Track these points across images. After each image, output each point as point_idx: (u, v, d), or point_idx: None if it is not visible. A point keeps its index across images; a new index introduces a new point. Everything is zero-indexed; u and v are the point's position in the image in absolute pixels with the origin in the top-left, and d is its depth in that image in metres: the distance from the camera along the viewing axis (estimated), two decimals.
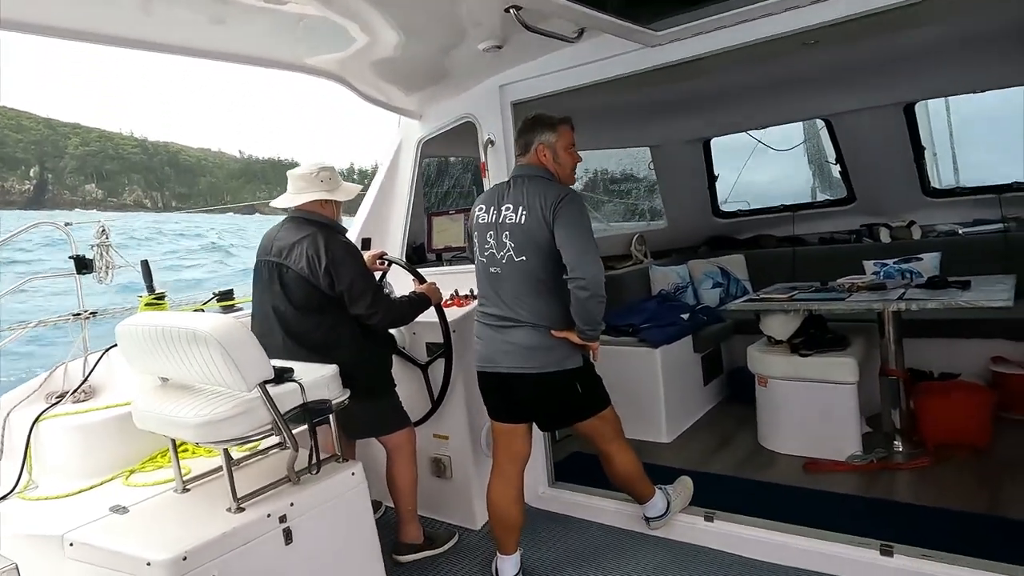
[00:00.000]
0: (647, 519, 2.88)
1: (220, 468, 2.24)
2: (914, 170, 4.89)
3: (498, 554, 2.68)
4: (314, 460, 2.39)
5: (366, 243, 3.63)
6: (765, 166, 5.89)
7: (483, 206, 2.60)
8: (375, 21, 2.51)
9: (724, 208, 6.02)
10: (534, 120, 2.57)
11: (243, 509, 2.19)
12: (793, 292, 3.88)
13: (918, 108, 4.82)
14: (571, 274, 2.32)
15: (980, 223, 4.78)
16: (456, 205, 4.47)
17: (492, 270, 2.53)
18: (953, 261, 4.43)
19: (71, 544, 2.11)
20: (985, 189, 4.86)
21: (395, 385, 2.94)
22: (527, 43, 2.76)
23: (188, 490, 2.41)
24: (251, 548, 2.12)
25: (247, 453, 2.66)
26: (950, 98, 5.45)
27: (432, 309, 2.98)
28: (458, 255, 3.76)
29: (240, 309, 3.37)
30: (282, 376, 2.26)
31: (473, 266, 2.68)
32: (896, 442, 3.56)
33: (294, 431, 2.26)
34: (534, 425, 2.71)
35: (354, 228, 3.95)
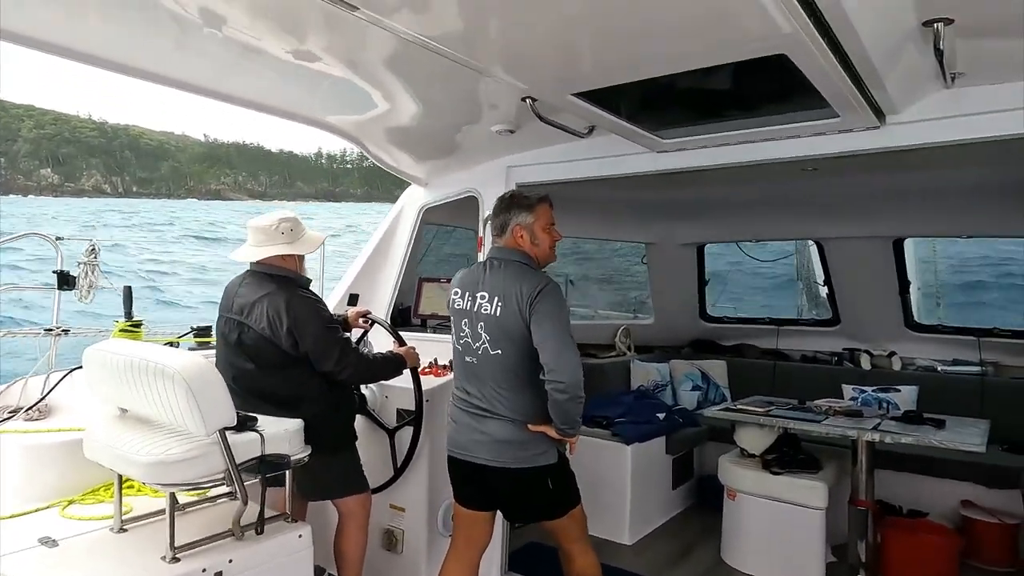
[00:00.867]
0: None
1: (163, 511, 2.15)
2: (898, 303, 4.99)
3: None
4: (262, 517, 2.30)
5: (353, 299, 3.62)
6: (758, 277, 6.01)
7: (459, 290, 2.53)
8: (398, 91, 2.60)
9: (711, 312, 6.09)
10: (511, 200, 2.49)
11: (178, 559, 2.09)
12: (770, 407, 3.87)
13: (908, 243, 4.98)
14: (549, 376, 2.25)
15: (959, 363, 4.84)
16: (450, 273, 4.49)
17: (467, 359, 2.47)
18: (930, 396, 4.46)
19: None
20: (965, 331, 4.95)
21: (356, 440, 2.85)
22: (539, 131, 2.86)
23: (125, 530, 2.31)
24: None
25: (195, 498, 2.56)
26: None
27: (408, 373, 2.95)
28: (443, 324, 3.75)
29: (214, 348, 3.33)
30: (244, 424, 2.21)
31: None
32: None
33: (247, 483, 2.19)
34: (497, 512, 2.64)
35: (344, 281, 3.96)
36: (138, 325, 3.03)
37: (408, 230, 3.88)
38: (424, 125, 2.99)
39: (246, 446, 2.18)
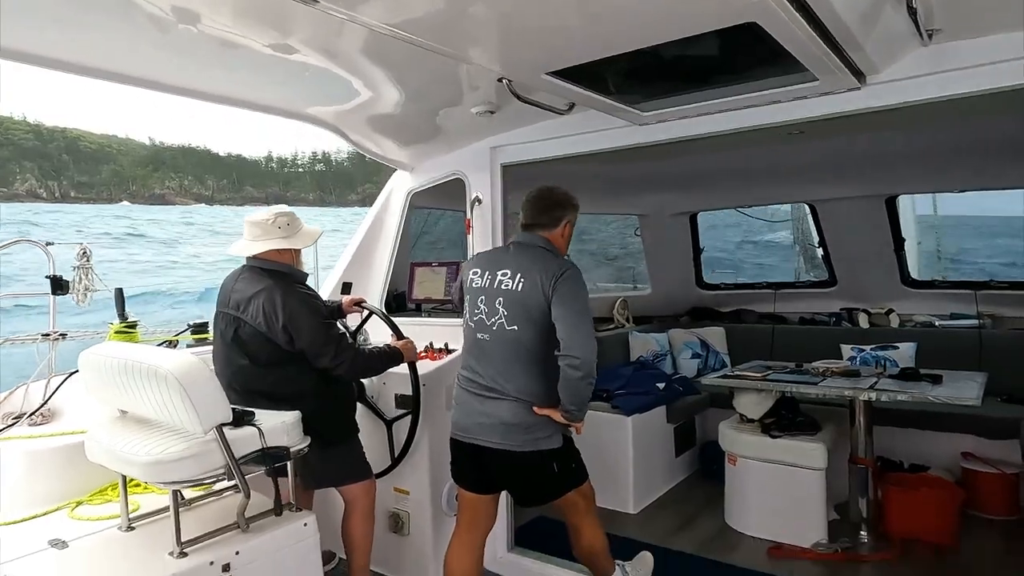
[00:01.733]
0: None
1: (168, 507, 2.18)
2: (894, 260, 4.99)
3: None
4: (279, 501, 2.35)
5: (347, 287, 3.64)
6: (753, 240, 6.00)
7: (478, 269, 2.55)
8: (379, 78, 2.58)
9: (708, 280, 6.10)
10: (566, 197, 2.58)
11: (186, 554, 2.13)
12: (767, 372, 3.90)
13: (902, 199, 4.96)
14: (565, 351, 2.26)
15: (957, 317, 4.85)
16: (442, 256, 4.50)
17: (480, 336, 2.48)
18: (929, 352, 4.48)
19: None
20: (963, 284, 4.96)
21: (358, 431, 2.89)
22: (520, 110, 2.84)
23: (133, 528, 2.35)
24: None
25: (201, 493, 2.61)
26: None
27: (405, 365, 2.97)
28: (437, 307, 3.77)
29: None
30: (241, 419, 2.23)
31: (450, 320, 2.68)
32: (862, 532, 3.52)
33: (248, 476, 2.23)
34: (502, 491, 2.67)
35: (336, 270, 3.97)
36: (133, 326, 3.06)
37: (397, 216, 3.88)
38: (406, 111, 2.97)
39: (245, 440, 2.21)
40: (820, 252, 5.45)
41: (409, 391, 3.06)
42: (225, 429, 2.14)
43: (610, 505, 3.95)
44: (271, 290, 2.57)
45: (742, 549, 3.52)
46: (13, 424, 2.80)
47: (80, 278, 3.34)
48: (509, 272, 2.42)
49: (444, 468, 2.79)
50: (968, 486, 3.80)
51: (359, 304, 3.15)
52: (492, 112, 2.91)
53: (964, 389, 3.30)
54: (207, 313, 3.10)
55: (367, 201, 3.88)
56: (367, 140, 3.41)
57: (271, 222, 2.67)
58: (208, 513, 2.46)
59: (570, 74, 2.24)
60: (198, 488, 2.60)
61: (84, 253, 3.37)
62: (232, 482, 2.21)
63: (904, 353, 4.60)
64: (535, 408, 2.37)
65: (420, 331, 3.33)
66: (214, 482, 2.26)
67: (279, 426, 2.33)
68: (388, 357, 2.85)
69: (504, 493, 2.79)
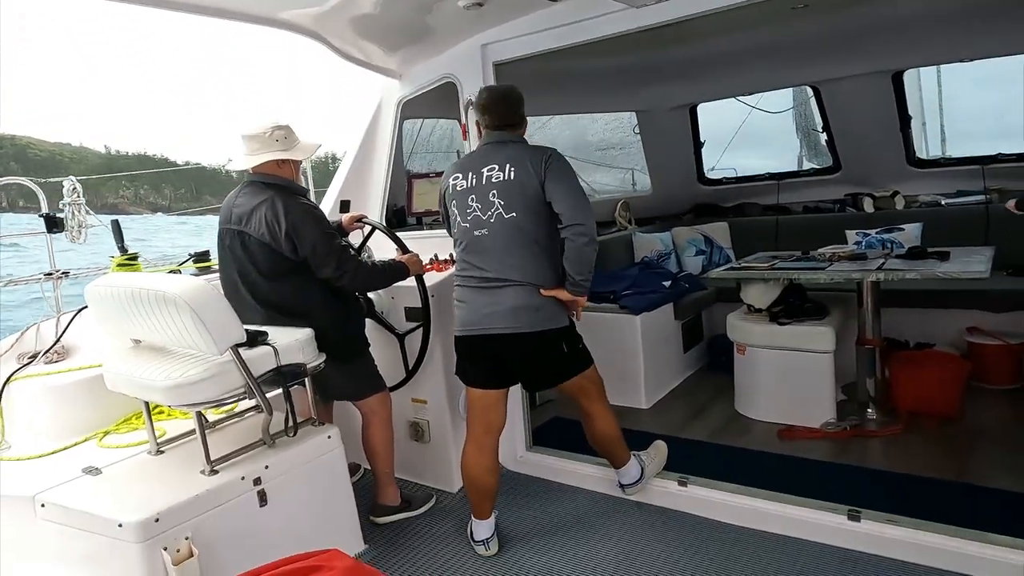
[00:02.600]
0: (622, 486, 2.92)
1: (194, 431, 2.23)
2: (900, 140, 4.87)
3: (473, 518, 2.72)
4: (291, 423, 2.40)
5: (345, 205, 3.56)
6: (753, 131, 5.86)
7: (459, 174, 2.56)
8: None
9: (710, 176, 5.99)
10: (517, 94, 2.60)
11: (217, 471, 2.20)
12: (774, 261, 3.89)
13: (907, 76, 4.78)
14: (568, 222, 2.35)
15: (963, 194, 4.78)
16: (439, 169, 4.39)
17: (478, 233, 2.49)
18: (935, 232, 4.44)
19: (43, 505, 2.11)
20: (969, 160, 4.86)
21: (369, 346, 2.91)
22: (509, 0, 2.68)
23: (162, 452, 2.41)
24: (225, 510, 2.14)
25: (223, 416, 2.66)
26: (941, 67, 5.41)
27: (412, 279, 2.95)
28: (439, 220, 3.70)
29: (217, 271, 3.33)
30: (255, 339, 2.24)
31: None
32: (870, 410, 3.61)
33: (268, 395, 2.26)
34: (510, 392, 2.72)
35: (332, 189, 3.88)
36: (135, 258, 3.02)
37: (389, 127, 3.75)
38: (389, 10, 2.81)
39: (261, 360, 2.23)
40: (824, 137, 5.32)
41: (418, 304, 3.06)
42: (240, 350, 2.15)
43: (624, 402, 4.04)
44: (273, 200, 2.55)
45: (753, 433, 3.63)
46: (29, 363, 2.82)
47: (73, 214, 3.28)
48: (497, 166, 2.47)
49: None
50: (973, 359, 3.86)
51: (360, 220, 3.10)
52: (480, 4, 2.74)
53: (972, 263, 3.30)
54: None
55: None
56: (351, 46, 3.24)
57: (268, 135, 2.62)
58: (232, 435, 2.52)
59: None
60: (219, 410, 2.66)
61: (74, 188, 3.29)
62: (253, 402, 2.25)
63: (910, 234, 4.57)
64: (541, 290, 2.46)
65: (423, 244, 3.29)
66: (235, 402, 2.30)
67: (293, 344, 2.34)
68: (393, 271, 2.82)
69: (514, 392, 2.83)
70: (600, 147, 6.14)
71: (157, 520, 1.96)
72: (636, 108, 5.63)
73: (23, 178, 3.41)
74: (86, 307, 2.88)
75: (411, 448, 3.31)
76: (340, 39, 3.14)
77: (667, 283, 4.55)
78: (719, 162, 5.97)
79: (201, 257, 3.41)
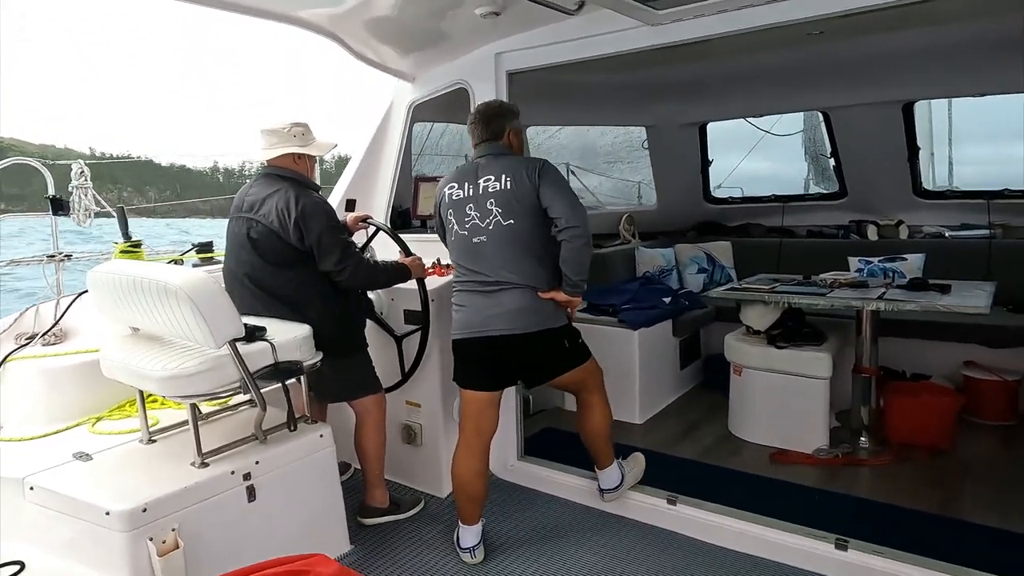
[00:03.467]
0: (601, 491, 2.95)
1: (187, 421, 2.23)
2: (907, 169, 4.88)
3: (460, 524, 2.72)
4: (290, 417, 2.41)
5: (351, 204, 3.58)
6: (760, 153, 5.87)
7: (454, 184, 2.64)
8: None
9: (716, 194, 6.00)
10: (502, 108, 2.73)
11: (207, 464, 2.20)
12: (775, 284, 3.89)
13: (918, 107, 4.80)
14: (564, 224, 2.45)
15: (967, 227, 4.79)
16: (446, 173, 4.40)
17: (476, 240, 2.55)
18: (937, 263, 4.45)
19: (31, 488, 2.11)
20: (975, 194, 4.87)
21: (367, 346, 2.92)
22: (526, 11, 2.70)
23: (154, 441, 2.41)
24: (213, 504, 2.14)
25: (217, 408, 2.66)
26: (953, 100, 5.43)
27: (413, 281, 2.96)
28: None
29: (219, 262, 3.34)
30: (253, 335, 2.24)
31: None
32: (863, 438, 3.61)
33: (263, 390, 2.26)
34: (504, 401, 2.73)
35: (339, 188, 3.89)
36: (138, 245, 3.03)
37: (399, 130, 3.77)
38: (405, 13, 2.83)
39: (259, 355, 2.24)
40: (832, 163, 5.32)
41: (418, 307, 3.07)
42: (238, 344, 2.15)
43: (617, 416, 3.96)
44: (286, 190, 2.60)
45: (745, 455, 3.62)
46: (26, 344, 2.83)
47: (80, 198, 3.30)
48: (493, 176, 2.56)
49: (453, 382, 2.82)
50: (969, 393, 3.86)
51: (364, 220, 3.11)
52: (497, 13, 2.76)
53: (972, 298, 3.30)
54: None
55: None
56: (367, 48, 3.26)
57: (287, 130, 2.69)
58: (225, 428, 2.52)
59: None
60: (213, 403, 2.66)
61: (82, 172, 3.30)
62: (247, 396, 2.25)
63: (912, 264, 4.58)
64: (539, 293, 2.54)
65: (426, 247, 3.30)
66: (230, 396, 2.30)
67: (291, 341, 2.35)
68: (394, 272, 2.83)
69: (508, 400, 2.83)
70: (608, 160, 6.17)
71: (145, 510, 1.96)
72: (646, 123, 5.65)
73: (31, 159, 3.42)
74: (86, 291, 2.90)
75: (403, 451, 3.31)
76: (355, 40, 3.16)
77: (667, 299, 4.55)
78: (726, 180, 5.99)
79: (204, 248, 3.42)
